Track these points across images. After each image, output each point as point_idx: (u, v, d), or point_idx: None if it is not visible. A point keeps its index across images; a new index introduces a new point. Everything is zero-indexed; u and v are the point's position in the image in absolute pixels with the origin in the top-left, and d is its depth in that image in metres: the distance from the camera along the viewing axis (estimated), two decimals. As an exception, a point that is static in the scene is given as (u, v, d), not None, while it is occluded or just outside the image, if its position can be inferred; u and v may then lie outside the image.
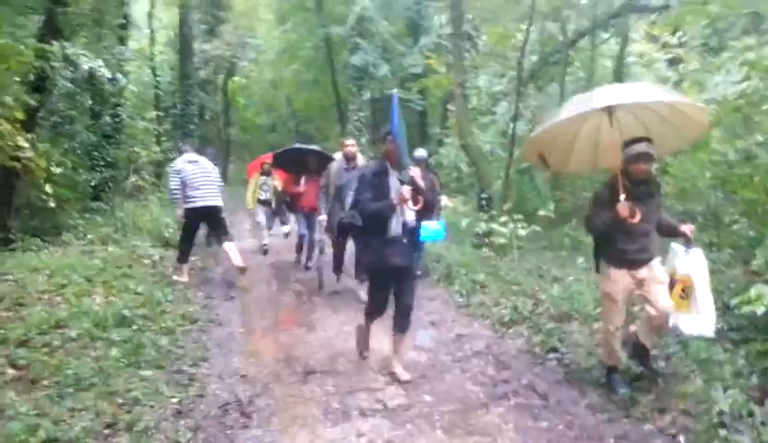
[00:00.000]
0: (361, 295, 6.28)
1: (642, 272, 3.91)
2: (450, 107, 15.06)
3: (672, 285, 3.94)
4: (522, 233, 7.76)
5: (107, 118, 11.44)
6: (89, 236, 8.90)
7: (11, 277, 6.12)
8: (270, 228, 9.50)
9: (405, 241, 4.16)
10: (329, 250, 7.20)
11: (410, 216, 4.14)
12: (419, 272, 6.72)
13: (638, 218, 3.74)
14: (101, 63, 7.76)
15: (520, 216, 8.13)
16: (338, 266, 7.01)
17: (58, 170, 8.73)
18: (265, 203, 9.18)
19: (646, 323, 4.05)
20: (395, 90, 4.22)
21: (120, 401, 3.80)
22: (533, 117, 12.82)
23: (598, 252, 4.13)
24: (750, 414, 3.39)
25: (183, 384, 4.17)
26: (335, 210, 5.98)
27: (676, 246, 4.07)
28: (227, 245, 7.37)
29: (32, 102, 6.95)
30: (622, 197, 3.72)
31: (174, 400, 3.89)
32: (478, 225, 8.31)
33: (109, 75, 8.23)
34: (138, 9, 16.93)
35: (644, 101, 3.93)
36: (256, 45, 25.00)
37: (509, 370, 4.56)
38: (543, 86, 13.75)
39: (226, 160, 25.45)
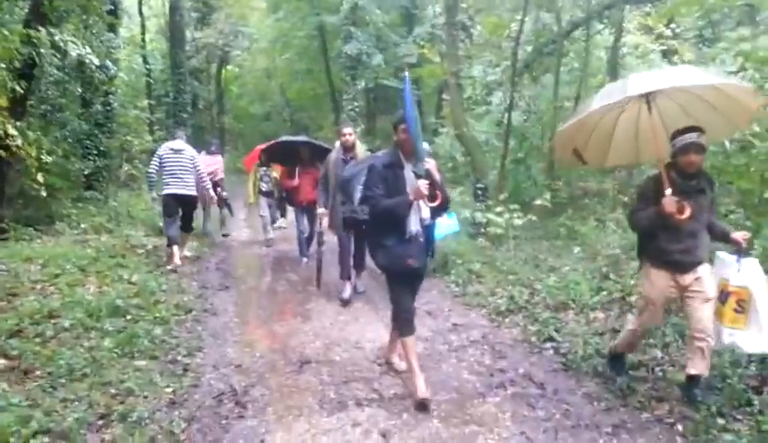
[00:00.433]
0: (344, 295, 6.13)
1: (687, 278, 3.55)
2: (444, 97, 15.01)
3: (724, 298, 3.59)
4: (518, 222, 7.74)
5: (98, 107, 11.30)
6: (82, 226, 8.83)
7: (3, 267, 6.05)
8: (274, 221, 9.38)
9: (421, 239, 3.78)
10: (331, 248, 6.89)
11: (425, 212, 3.76)
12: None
13: (687, 214, 3.39)
14: (89, 50, 7.62)
15: (516, 206, 8.11)
16: (345, 269, 6.25)
17: (49, 159, 8.60)
18: (267, 194, 9.06)
19: (690, 343, 3.65)
20: (406, 72, 3.78)
21: (113, 391, 3.77)
22: (527, 107, 12.80)
23: (641, 250, 3.81)
24: (749, 403, 3.40)
25: (177, 374, 4.14)
26: (337, 206, 5.80)
27: (724, 255, 3.74)
28: (184, 235, 7.85)
29: (20, 89, 6.83)
30: (668, 191, 3.40)
31: (169, 390, 3.86)
32: (474, 215, 8.28)
33: (97, 62, 8.08)
34: (130, -4, 16.74)
35: (683, 86, 3.60)
36: (249, 34, 24.76)
37: (505, 359, 4.55)
38: (537, 76, 13.71)
39: (222, 149, 25.28)
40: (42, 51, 7.49)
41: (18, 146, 6.61)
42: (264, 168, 8.97)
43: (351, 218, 5.87)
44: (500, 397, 3.89)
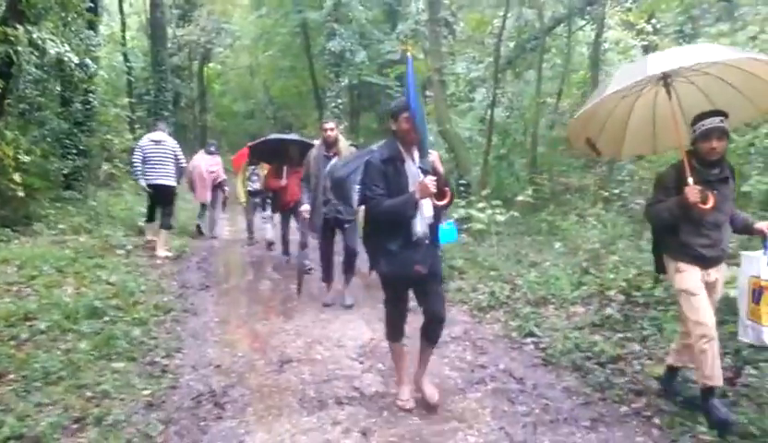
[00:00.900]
0: (326, 299, 5.99)
1: (712, 274, 3.34)
2: (428, 93, 15.01)
3: (758, 297, 3.30)
4: (501, 218, 7.77)
5: (78, 105, 11.15)
6: (60, 226, 8.70)
7: (-22, 269, 5.95)
8: (267, 220, 8.96)
9: (428, 242, 3.38)
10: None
11: (428, 212, 3.33)
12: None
13: (711, 204, 3.15)
14: (68, 48, 7.51)
15: (498, 201, 8.14)
16: (327, 272, 6.06)
17: (27, 158, 8.50)
18: (255, 194, 8.89)
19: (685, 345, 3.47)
20: (409, 53, 3.44)
21: (89, 394, 3.71)
22: (510, 104, 12.85)
23: (660, 247, 3.54)
24: (724, 395, 3.44)
25: (155, 376, 4.08)
26: (318, 207, 5.68)
27: (748, 253, 3.48)
28: (162, 231, 8.05)
29: (-3, 88, 6.73)
30: (690, 179, 3.15)
31: (146, 392, 3.80)
32: (456, 211, 8.30)
33: (76, 60, 7.96)
34: (109, -7, 16.55)
35: (708, 61, 3.26)
36: (231, 31, 24.60)
37: (486, 355, 4.56)
38: (520, 72, 13.78)
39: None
40: (19, 49, 7.38)
41: (-8, 145, 6.50)
42: (253, 166, 8.77)
43: (334, 218, 5.71)
44: (481, 393, 3.89)
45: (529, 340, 4.81)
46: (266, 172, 8.23)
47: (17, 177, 7.97)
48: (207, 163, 9.66)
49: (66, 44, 7.59)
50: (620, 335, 4.58)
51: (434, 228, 3.45)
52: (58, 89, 10.84)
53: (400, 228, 3.30)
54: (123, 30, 17.64)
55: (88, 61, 9.78)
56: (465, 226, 8.31)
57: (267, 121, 27.01)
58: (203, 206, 9.98)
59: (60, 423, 3.31)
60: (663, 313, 4.68)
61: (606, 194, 8.36)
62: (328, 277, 6.06)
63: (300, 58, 21.87)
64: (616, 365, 4.12)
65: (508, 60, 13.31)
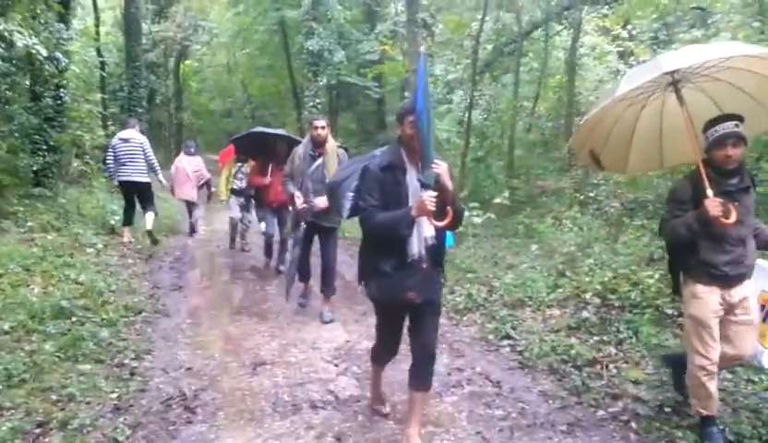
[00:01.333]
0: (301, 298, 5.83)
1: (736, 293, 3.04)
2: (406, 94, 14.99)
3: (766, 315, 3.13)
4: (478, 220, 7.77)
5: (48, 100, 10.81)
6: (29, 223, 8.43)
7: (-61, 267, 5.73)
8: (247, 223, 8.71)
9: (425, 266, 2.96)
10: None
11: (429, 231, 2.94)
12: None
13: (733, 218, 2.89)
14: (36, 41, 7.28)
15: (476, 204, 8.14)
16: (301, 272, 5.74)
17: (-7, 153, 8.24)
18: (239, 193, 8.41)
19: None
20: (422, 48, 2.95)
21: (54, 397, 3.58)
22: (488, 106, 12.90)
23: (677, 265, 3.26)
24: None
25: (123, 378, 3.96)
26: (299, 214, 5.29)
27: (762, 263, 3.27)
28: (148, 215, 8.40)
29: (-39, 81, 6.49)
30: (709, 191, 2.88)
31: (114, 395, 3.69)
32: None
33: (45, 53, 7.71)
34: (83, -13, 16.20)
35: (721, 57, 3.01)
36: (208, 28, 24.30)
37: (462, 358, 4.53)
38: (498, 75, 13.84)
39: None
40: (-15, 41, 7.15)
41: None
42: (240, 164, 8.25)
43: (312, 223, 5.29)
44: (457, 396, 3.85)
45: (505, 342, 4.79)
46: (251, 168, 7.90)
47: (-17, 173, 7.72)
48: (191, 165, 9.59)
49: (34, 37, 7.35)
50: (596, 338, 4.59)
51: (435, 250, 3.00)
52: (27, 83, 10.52)
53: (394, 247, 2.92)
54: (96, 25, 17.26)
55: (58, 55, 9.52)
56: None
57: (245, 120, 26.76)
58: (189, 205, 9.91)
59: (22, 427, 3.19)
60: (639, 316, 4.71)
61: (582, 197, 8.42)
62: (304, 277, 5.83)
63: (278, 57, 21.74)
64: (592, 368, 4.12)
65: (485, 63, 13.37)
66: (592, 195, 8.24)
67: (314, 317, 5.50)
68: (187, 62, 26.66)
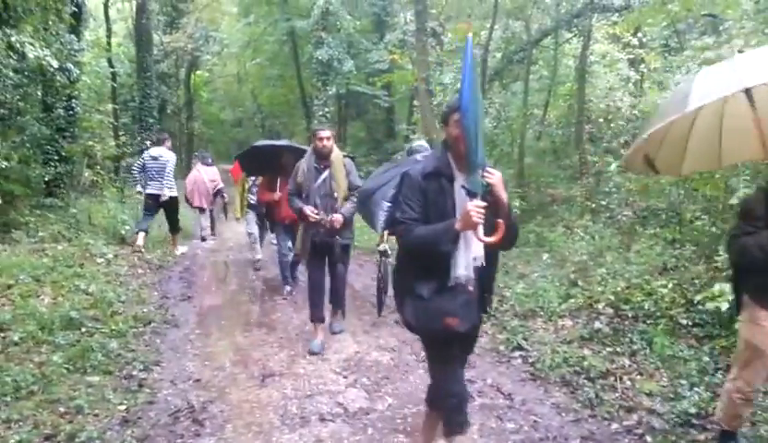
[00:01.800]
0: (313, 345, 4.88)
1: None
2: (416, 103, 15.00)
3: None
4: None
5: (60, 111, 10.92)
6: (40, 234, 8.49)
7: (-49, 278, 5.76)
8: (262, 239, 8.38)
9: (472, 288, 2.56)
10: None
11: (477, 249, 2.53)
12: None
13: None
14: (47, 52, 7.35)
15: (486, 212, 8.06)
16: (315, 308, 5.02)
17: (6, 164, 8.29)
18: (255, 208, 7.99)
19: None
20: (469, 34, 2.52)
21: (62, 409, 3.58)
22: (497, 115, 12.86)
23: (742, 285, 2.95)
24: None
25: (132, 390, 3.95)
26: (307, 229, 4.92)
27: None
28: (175, 237, 9.20)
29: (-26, 93, 6.55)
30: None
31: (122, 407, 3.67)
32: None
33: (56, 64, 7.77)
34: (95, -1, 16.40)
35: None
36: (219, 39, 24.47)
37: (473, 369, 4.46)
38: (507, 84, 13.81)
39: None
40: (-3, 52, 7.22)
41: (-32, 151, 6.32)
42: (253, 178, 7.85)
43: (323, 241, 4.89)
44: (468, 408, 3.79)
45: (517, 353, 4.72)
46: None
47: (-5, 184, 7.78)
48: (208, 175, 10.21)
49: (45, 48, 7.41)
50: (609, 349, 4.51)
51: (483, 272, 2.60)
52: (39, 94, 10.63)
53: (435, 266, 2.51)
54: (108, 36, 17.43)
55: (70, 66, 9.61)
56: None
57: (255, 129, 26.91)
58: (203, 212, 10.35)
59: (30, 440, 3.19)
60: (652, 326, 4.63)
61: (593, 205, 8.33)
62: (316, 315, 5.00)
63: (288, 66, 21.85)
64: (605, 380, 4.04)
65: (495, 71, 13.35)
66: (603, 203, 8.15)
67: (323, 328, 5.45)
68: (198, 72, 26.85)
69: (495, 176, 2.43)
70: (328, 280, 5.21)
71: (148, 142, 15.56)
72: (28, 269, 6.32)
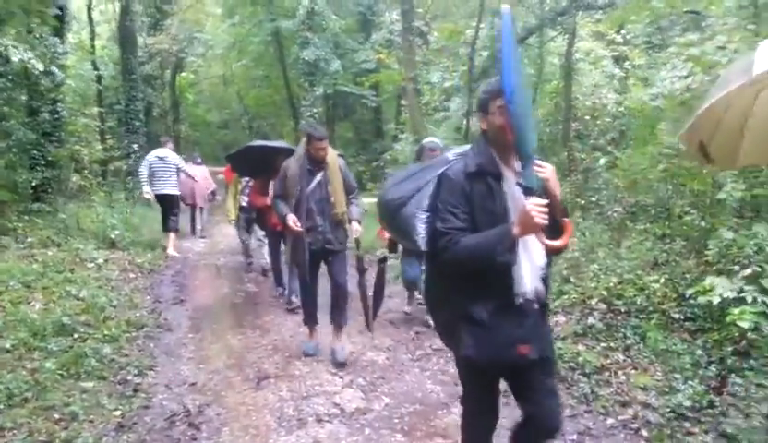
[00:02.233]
0: (307, 347, 4.83)
1: None
2: (403, 103, 15.02)
3: None
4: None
5: (45, 115, 10.80)
6: (29, 239, 8.40)
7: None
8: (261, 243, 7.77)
9: (538, 307, 2.23)
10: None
11: (538, 258, 2.20)
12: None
13: None
14: (32, 55, 7.27)
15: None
16: (310, 315, 4.89)
17: (-10, 169, 8.21)
18: (246, 211, 7.67)
19: None
20: (506, 7, 2.07)
21: (57, 416, 3.54)
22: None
23: None
24: (711, 405, 3.41)
25: (126, 395, 3.92)
26: (302, 237, 4.47)
27: None
28: (170, 235, 9.17)
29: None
30: None
31: (117, 412, 3.65)
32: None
33: (41, 68, 7.69)
34: (78, 1, 16.22)
35: None
36: (204, 40, 24.32)
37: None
38: (494, 82, 13.85)
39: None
40: (-21, 56, 7.14)
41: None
42: (247, 179, 7.43)
43: (321, 248, 4.56)
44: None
45: (511, 350, 4.74)
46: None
47: (-19, 190, 7.69)
48: (200, 174, 10.57)
49: (29, 51, 7.33)
50: (603, 344, 4.55)
51: (547, 283, 2.27)
52: (24, 98, 10.51)
53: (494, 282, 2.13)
54: (92, 39, 17.29)
55: (54, 69, 9.50)
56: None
57: (242, 131, 26.76)
58: (194, 210, 10.95)
59: (25, 448, 3.14)
60: (645, 321, 4.67)
61: (583, 202, 8.38)
62: (310, 319, 4.90)
63: (274, 67, 21.74)
64: (600, 375, 4.07)
65: (482, 70, 13.39)
66: (593, 199, 8.21)
67: (317, 329, 5.43)
68: (183, 74, 26.66)
69: (547, 169, 2.10)
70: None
71: (135, 145, 15.50)
72: (18, 275, 6.25)
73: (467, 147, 2.34)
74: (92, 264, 7.47)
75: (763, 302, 3.79)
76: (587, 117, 11.08)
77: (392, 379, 4.28)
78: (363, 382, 4.22)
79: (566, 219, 2.15)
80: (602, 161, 7.79)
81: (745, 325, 3.65)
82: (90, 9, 16.82)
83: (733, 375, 3.72)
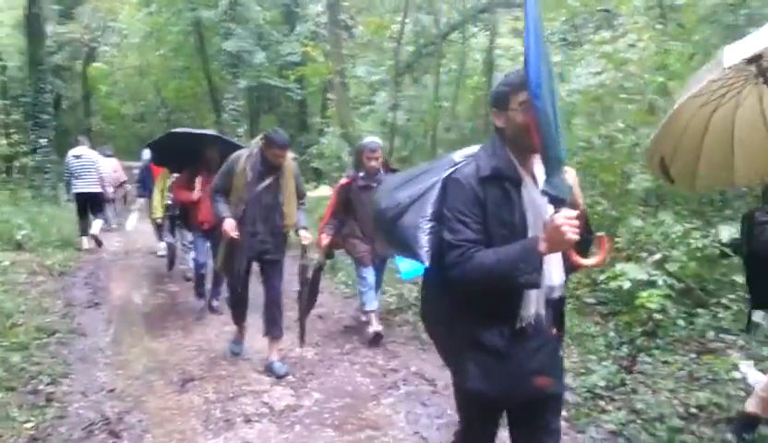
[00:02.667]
0: (235, 347, 4.64)
1: None
2: (329, 96, 14.94)
3: None
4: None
5: (-58, 108, 10.02)
6: None
7: None
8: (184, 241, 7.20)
9: (554, 331, 1.98)
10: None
11: (556, 276, 1.91)
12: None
13: None
14: None
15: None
16: (240, 316, 4.60)
17: None
18: (170, 208, 7.04)
19: None
20: None
21: (-40, 433, 3.29)
22: (410, 107, 13.07)
23: (760, 291, 2.72)
24: (623, 383, 3.62)
25: (39, 406, 3.68)
26: (244, 245, 4.10)
27: None
28: (95, 222, 9.08)
29: None
30: None
31: (29, 424, 3.42)
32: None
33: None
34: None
35: None
36: (118, 29, 23.18)
37: (397, 359, 4.54)
38: (418, 77, 14.04)
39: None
40: None
41: None
42: (177, 174, 6.34)
43: (258, 257, 4.24)
44: (394, 397, 3.86)
45: (438, 341, 4.84)
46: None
47: None
48: (109, 166, 10.20)
49: None
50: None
51: (559, 304, 1.99)
52: None
53: (504, 304, 1.85)
54: (-7, 26, 16.09)
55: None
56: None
57: (159, 124, 25.72)
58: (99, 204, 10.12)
59: None
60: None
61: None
62: (240, 319, 4.61)
63: (194, 58, 21.03)
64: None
65: (407, 64, 13.54)
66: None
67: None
68: (96, 64, 25.31)
69: (570, 174, 1.80)
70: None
71: (43, 140, 14.59)
72: None
73: (475, 148, 2.02)
74: (-4, 267, 6.98)
75: (668, 285, 4.07)
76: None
77: (322, 375, 4.26)
78: (292, 379, 4.18)
79: (599, 234, 1.87)
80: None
81: (653, 306, 3.91)
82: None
83: (642, 354, 3.96)
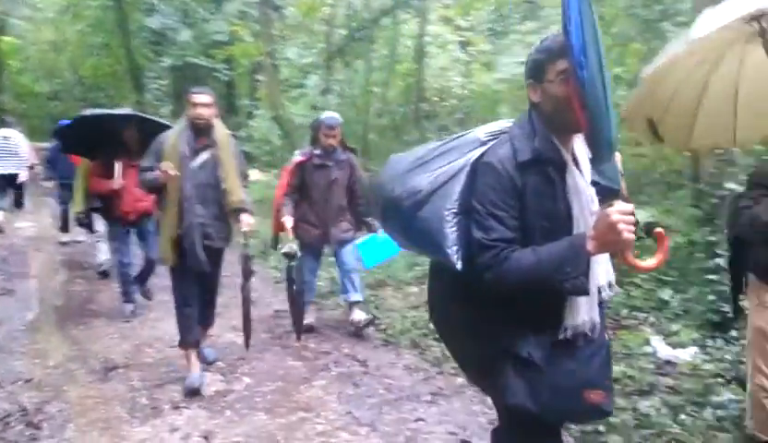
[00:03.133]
0: (190, 379, 3.68)
1: None
2: (259, 78, 14.63)
3: None
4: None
5: None
6: None
7: None
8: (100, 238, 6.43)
9: (604, 338, 1.76)
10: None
11: (602, 275, 1.63)
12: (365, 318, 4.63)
13: None
14: None
15: (333, 188, 8.17)
16: (187, 325, 3.78)
17: None
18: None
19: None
20: None
21: None
22: (341, 91, 13.01)
23: (745, 265, 2.65)
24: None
25: (-53, 400, 3.48)
26: (191, 229, 3.58)
27: None
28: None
29: None
30: None
31: (-63, 419, 3.23)
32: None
33: None
34: None
35: None
36: (31, 2, 21.69)
37: (329, 342, 4.58)
38: (350, 61, 13.99)
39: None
40: None
41: None
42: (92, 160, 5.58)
43: (204, 235, 3.63)
44: (326, 379, 3.89)
45: (370, 322, 4.91)
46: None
47: None
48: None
49: None
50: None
51: (602, 310, 1.72)
52: None
53: (549, 309, 1.61)
54: None
55: None
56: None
57: (75, 102, 24.30)
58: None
59: None
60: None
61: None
62: (189, 339, 3.79)
63: (114, 35, 19.98)
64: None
65: (338, 48, 13.45)
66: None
67: (169, 314, 5.09)
68: (6, 39, 23.59)
69: (618, 160, 1.61)
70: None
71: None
72: None
73: (501, 123, 1.73)
74: None
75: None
76: (435, 99, 11.58)
77: (253, 359, 4.22)
78: (222, 365, 4.13)
79: (657, 229, 1.61)
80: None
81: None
82: None
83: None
